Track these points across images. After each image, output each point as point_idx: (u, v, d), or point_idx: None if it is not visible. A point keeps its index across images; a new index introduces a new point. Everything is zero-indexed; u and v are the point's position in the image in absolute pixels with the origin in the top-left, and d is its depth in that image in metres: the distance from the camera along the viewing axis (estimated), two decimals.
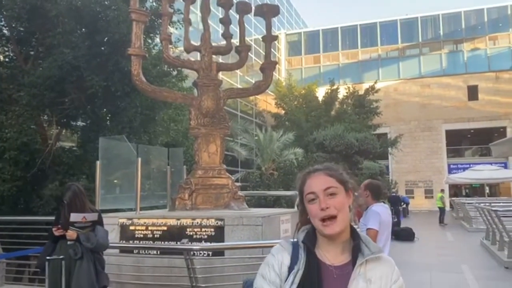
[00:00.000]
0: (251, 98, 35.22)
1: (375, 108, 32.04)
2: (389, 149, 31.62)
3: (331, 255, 1.54)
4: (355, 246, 1.54)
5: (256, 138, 25.84)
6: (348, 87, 33.04)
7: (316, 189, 1.53)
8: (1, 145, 9.18)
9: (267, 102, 38.58)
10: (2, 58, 11.67)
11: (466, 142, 41.88)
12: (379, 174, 25.48)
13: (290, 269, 1.51)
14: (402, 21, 42.12)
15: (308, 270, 1.48)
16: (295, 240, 1.60)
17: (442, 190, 26.89)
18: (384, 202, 5.13)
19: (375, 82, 32.85)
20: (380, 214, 4.56)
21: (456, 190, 38.11)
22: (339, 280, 1.49)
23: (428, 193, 38.34)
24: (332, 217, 1.49)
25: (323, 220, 1.49)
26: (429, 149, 39.00)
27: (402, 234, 15.83)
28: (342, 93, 32.69)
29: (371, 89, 32.05)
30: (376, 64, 42.43)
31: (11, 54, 11.65)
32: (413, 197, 36.73)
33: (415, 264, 11.00)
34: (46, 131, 11.69)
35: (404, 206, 28.39)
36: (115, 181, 7.63)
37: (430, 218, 26.46)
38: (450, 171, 37.55)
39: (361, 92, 32.58)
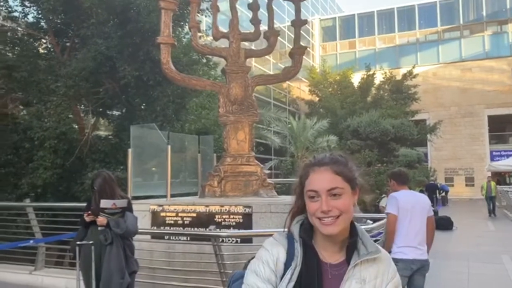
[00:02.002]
0: (284, 85, 35.02)
1: (413, 94, 31.16)
2: (428, 136, 30.72)
3: (328, 253, 1.41)
4: (350, 244, 1.42)
5: (289, 126, 25.68)
6: (385, 73, 32.23)
7: (318, 187, 1.37)
8: (41, 134, 9.51)
9: (300, 89, 38.20)
10: (41, 50, 12.05)
11: (510, 128, 40.05)
12: (417, 161, 24.85)
13: (287, 265, 1.38)
14: (442, 3, 40.44)
15: (306, 267, 1.37)
16: (289, 233, 1.46)
17: (490, 177, 25.49)
18: (421, 190, 5.10)
19: (413, 67, 31.91)
20: (397, 198, 4.54)
21: (499, 177, 36.64)
22: (334, 280, 1.38)
23: (469, 181, 37.08)
24: (333, 217, 1.35)
25: (322, 219, 1.35)
26: (470, 136, 37.61)
27: (439, 223, 15.30)
28: (378, 78, 31.95)
29: (409, 74, 31.18)
30: (414, 48, 41.08)
31: (49, 46, 12.02)
32: (453, 185, 35.63)
33: (453, 254, 10.68)
34: (83, 121, 12.04)
35: (443, 194, 27.62)
36: (147, 168, 7.77)
37: (471, 207, 25.60)
38: (492, 158, 36.13)
39: (399, 77, 31.75)
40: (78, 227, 5.03)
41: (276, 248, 1.42)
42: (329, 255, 1.41)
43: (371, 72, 31.64)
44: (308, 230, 1.42)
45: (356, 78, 32.87)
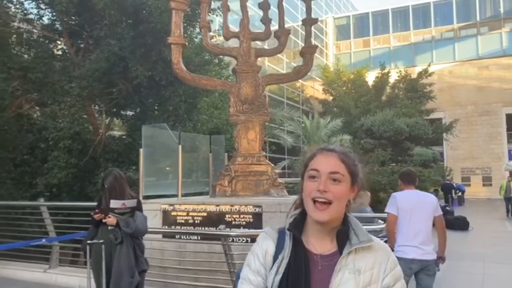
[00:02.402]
0: (298, 84, 34.93)
1: (429, 92, 30.77)
2: (444, 134, 30.31)
3: (319, 244, 1.41)
4: (339, 232, 1.40)
5: (303, 125, 25.59)
6: (400, 71, 31.91)
7: (321, 168, 1.39)
8: (56, 135, 9.64)
9: (314, 88, 38.05)
10: (56, 52, 12.23)
11: None
12: (432, 161, 24.50)
13: (275, 258, 1.40)
14: (458, 0, 39.88)
15: (294, 259, 1.37)
16: (283, 226, 1.47)
17: (510, 177, 24.93)
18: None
19: (429, 65, 31.52)
20: (397, 198, 4.55)
21: None
22: (325, 270, 1.37)
23: (486, 181, 36.47)
24: (327, 203, 1.36)
25: (316, 201, 1.36)
26: (487, 135, 36.98)
27: (455, 223, 15.16)
28: (393, 77, 31.64)
29: (424, 73, 30.82)
30: (430, 46, 40.55)
31: (64, 47, 12.19)
32: (469, 185, 35.10)
33: (468, 254, 10.51)
34: (97, 121, 12.18)
35: (460, 194, 27.21)
36: (158, 167, 7.82)
37: (488, 207, 25.17)
38: (511, 157, 35.46)
39: (414, 75, 31.40)
40: (90, 226, 5.08)
41: (265, 242, 1.46)
42: (320, 246, 1.41)
43: (385, 71, 31.34)
44: (298, 223, 1.44)
45: (371, 77, 32.60)
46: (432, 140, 27.04)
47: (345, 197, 1.40)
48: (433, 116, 30.90)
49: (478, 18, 39.14)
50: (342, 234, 1.41)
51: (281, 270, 1.36)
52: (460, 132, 32.11)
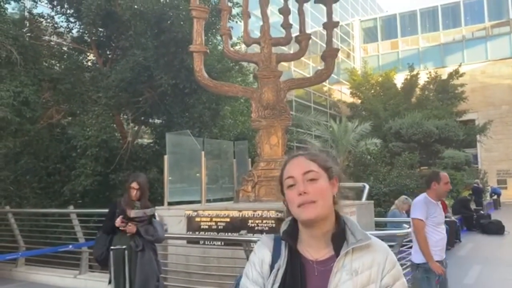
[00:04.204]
0: (325, 88, 34.71)
1: (460, 93, 30.05)
2: (477, 136, 29.42)
3: (314, 249, 1.40)
4: (335, 235, 1.38)
5: (330, 129, 25.39)
6: (430, 72, 31.29)
7: (294, 173, 1.40)
8: (83, 143, 9.88)
9: (341, 92, 37.71)
10: (85, 63, 12.60)
11: None
12: (464, 163, 23.83)
13: (272, 266, 1.39)
14: None
15: (290, 267, 1.36)
16: (278, 234, 1.47)
17: None
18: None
19: (460, 66, 30.81)
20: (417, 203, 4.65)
21: None
22: (321, 276, 1.34)
23: None
24: (311, 202, 1.35)
25: (301, 205, 1.36)
26: None
27: (490, 227, 14.67)
28: (423, 78, 31.04)
29: (455, 73, 30.14)
30: (460, 46, 39.52)
31: (93, 58, 12.55)
32: (506, 188, 33.84)
33: (502, 260, 10.13)
34: (125, 129, 12.44)
35: (495, 197, 26.30)
36: (183, 174, 7.91)
37: None
38: None
39: (444, 76, 30.70)
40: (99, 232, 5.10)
41: (261, 251, 1.45)
42: (316, 252, 1.40)
43: (414, 72, 30.79)
44: (292, 230, 1.43)
45: (399, 79, 32.07)
46: (465, 142, 26.30)
47: (326, 192, 1.39)
48: (465, 117, 30.11)
49: (511, 16, 37.92)
50: (338, 237, 1.38)
51: (278, 279, 1.36)
52: (495, 133, 31.08)
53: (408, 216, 8.77)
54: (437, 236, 4.55)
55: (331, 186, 1.42)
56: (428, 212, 4.51)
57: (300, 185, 1.37)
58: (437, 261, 4.46)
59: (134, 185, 4.75)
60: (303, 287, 1.33)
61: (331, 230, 1.40)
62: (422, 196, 4.68)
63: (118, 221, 4.60)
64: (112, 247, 4.65)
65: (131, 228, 4.58)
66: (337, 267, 1.34)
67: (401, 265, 5.90)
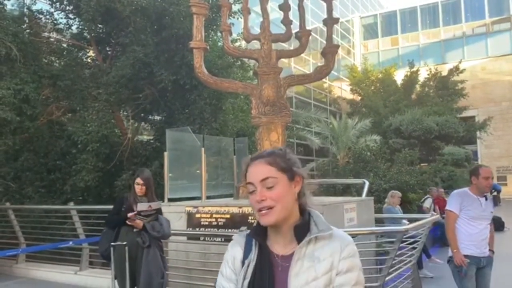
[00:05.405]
0: (325, 85, 34.66)
1: (461, 90, 30.04)
2: (477, 133, 29.43)
3: (280, 245, 1.44)
4: (298, 227, 1.42)
5: (330, 126, 25.39)
6: (430, 69, 31.25)
7: (253, 179, 1.44)
8: (84, 138, 9.87)
9: (341, 89, 37.68)
10: (84, 60, 12.57)
11: None
12: (465, 160, 23.83)
13: (243, 263, 1.45)
14: None
15: (260, 263, 1.41)
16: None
17: None
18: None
19: (460, 62, 30.77)
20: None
21: None
22: (285, 271, 1.39)
23: None
24: (269, 208, 1.40)
25: (260, 210, 1.42)
26: None
27: None
28: (423, 75, 31.01)
29: (456, 70, 30.12)
30: (461, 43, 39.51)
31: (92, 55, 12.51)
32: (505, 184, 33.90)
33: (502, 256, 10.07)
34: (125, 126, 12.42)
35: (495, 193, 26.31)
36: (183, 170, 7.92)
37: None
38: None
39: (444, 73, 30.67)
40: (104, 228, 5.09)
41: (234, 248, 1.52)
42: (281, 248, 1.44)
43: (414, 69, 30.76)
44: (261, 227, 1.47)
45: (400, 76, 32.05)
46: (465, 139, 26.30)
47: (285, 196, 1.41)
48: (465, 114, 30.10)
49: (511, 12, 37.85)
50: (301, 229, 1.42)
51: (248, 274, 1.41)
52: (495, 129, 31.10)
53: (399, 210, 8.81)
54: (471, 230, 4.54)
55: (293, 186, 1.45)
56: (462, 205, 4.54)
57: (258, 194, 1.41)
58: (471, 256, 4.49)
59: (139, 180, 4.76)
60: (271, 281, 1.38)
61: (292, 225, 1.44)
62: (462, 189, 4.75)
63: (131, 214, 4.55)
64: (112, 243, 4.66)
65: (138, 223, 4.58)
66: (298, 254, 1.38)
67: (402, 261, 5.90)
